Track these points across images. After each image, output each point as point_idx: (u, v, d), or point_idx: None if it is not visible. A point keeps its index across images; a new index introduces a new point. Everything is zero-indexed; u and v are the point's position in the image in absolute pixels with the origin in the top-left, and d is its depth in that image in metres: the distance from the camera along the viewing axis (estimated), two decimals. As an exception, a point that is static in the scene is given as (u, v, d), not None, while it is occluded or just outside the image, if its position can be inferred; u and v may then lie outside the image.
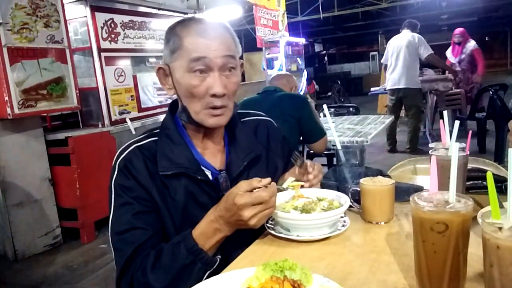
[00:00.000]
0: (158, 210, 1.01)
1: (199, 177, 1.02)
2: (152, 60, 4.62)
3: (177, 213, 1.02)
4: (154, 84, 4.67)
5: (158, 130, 1.10)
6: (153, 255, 0.93)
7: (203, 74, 0.98)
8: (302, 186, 1.10)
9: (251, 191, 0.89)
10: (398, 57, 5.51)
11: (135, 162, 1.02)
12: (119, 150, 1.07)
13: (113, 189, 1.02)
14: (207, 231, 0.93)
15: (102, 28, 3.85)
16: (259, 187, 0.89)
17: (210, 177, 1.06)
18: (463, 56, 6.33)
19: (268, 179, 0.92)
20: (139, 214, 0.98)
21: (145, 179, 1.01)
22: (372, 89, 6.84)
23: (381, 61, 6.09)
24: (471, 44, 6.35)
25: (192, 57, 0.96)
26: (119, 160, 1.04)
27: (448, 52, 6.59)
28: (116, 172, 1.03)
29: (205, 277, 0.91)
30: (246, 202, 0.87)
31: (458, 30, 6.47)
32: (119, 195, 1.00)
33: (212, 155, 1.11)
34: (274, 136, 1.26)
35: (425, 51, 5.42)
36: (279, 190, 1.02)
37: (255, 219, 0.89)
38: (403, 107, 5.90)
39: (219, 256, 0.95)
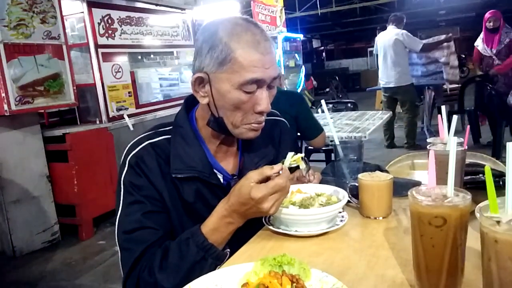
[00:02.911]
0: (168, 211, 0.99)
1: (212, 181, 1.00)
2: (150, 56, 4.62)
3: (186, 215, 1.00)
4: (151, 80, 4.67)
5: (170, 127, 1.05)
6: (160, 254, 0.90)
7: (252, 92, 0.94)
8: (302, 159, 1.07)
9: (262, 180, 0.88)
10: (385, 56, 5.52)
11: (147, 160, 0.98)
12: (129, 145, 1.03)
13: (122, 186, 0.99)
14: (219, 226, 0.91)
15: (99, 24, 3.83)
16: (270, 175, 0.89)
17: (222, 181, 1.05)
18: (501, 46, 4.88)
19: (280, 165, 0.91)
20: (149, 214, 0.96)
21: (157, 179, 0.98)
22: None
23: (374, 52, 6.01)
24: (509, 31, 4.86)
25: (248, 78, 0.90)
26: (130, 156, 1.00)
27: (479, 43, 5.13)
28: (126, 169, 0.99)
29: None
30: (265, 195, 0.86)
31: (491, 12, 4.96)
32: (128, 192, 0.97)
33: (225, 158, 1.09)
34: (285, 138, 1.25)
35: (417, 45, 5.43)
36: None
37: (275, 207, 0.89)
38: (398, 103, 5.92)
39: (229, 250, 0.93)
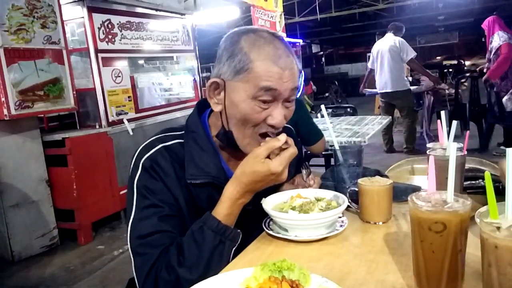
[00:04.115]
0: (183, 216, 0.98)
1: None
2: (150, 61, 4.63)
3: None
4: (151, 85, 4.67)
5: (182, 132, 1.04)
6: (175, 250, 0.89)
7: (266, 103, 0.93)
8: None
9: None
10: (382, 62, 5.57)
11: (162, 163, 0.97)
12: (141, 147, 1.02)
13: (135, 190, 0.97)
14: (232, 210, 0.92)
15: (99, 29, 3.84)
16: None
17: None
18: (490, 54, 4.95)
19: (284, 135, 0.92)
20: (166, 217, 0.94)
21: (173, 183, 0.96)
22: (366, 90, 6.67)
23: (368, 65, 6.01)
24: (500, 36, 4.77)
25: (262, 85, 0.90)
26: (143, 159, 0.98)
27: None
28: (140, 172, 0.97)
29: (231, 253, 0.91)
30: (285, 167, 0.89)
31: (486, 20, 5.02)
32: (143, 196, 0.95)
33: (236, 164, 1.06)
34: None
35: (407, 56, 5.46)
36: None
37: (286, 172, 0.92)
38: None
39: (239, 230, 0.93)
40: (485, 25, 5.05)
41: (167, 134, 1.04)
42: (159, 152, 0.99)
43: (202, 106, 1.07)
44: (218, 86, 0.96)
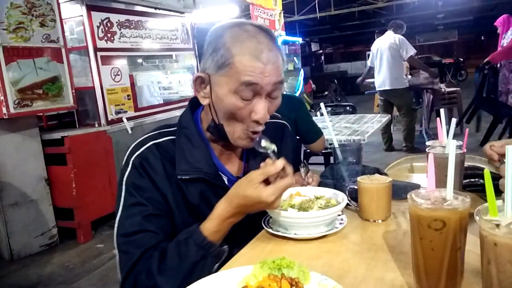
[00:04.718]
0: (171, 215, 0.98)
1: (217, 183, 0.99)
2: (149, 59, 4.62)
3: (190, 217, 0.99)
4: (150, 84, 4.67)
5: (175, 128, 1.04)
6: (157, 256, 0.89)
7: (249, 100, 0.93)
8: None
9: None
10: (382, 59, 5.56)
11: (152, 161, 0.97)
12: (132, 145, 1.02)
13: (124, 187, 0.97)
14: (221, 228, 0.91)
15: (98, 27, 3.84)
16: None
17: (227, 182, 1.04)
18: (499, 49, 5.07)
19: (282, 162, 0.90)
20: (151, 217, 0.94)
21: (162, 180, 0.97)
22: (366, 81, 6.50)
23: (368, 63, 5.98)
24: None
25: (243, 80, 0.89)
26: (134, 157, 0.99)
27: None
28: (129, 169, 0.98)
29: (214, 268, 0.90)
30: (277, 197, 0.88)
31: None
32: (130, 194, 0.96)
33: (229, 160, 1.08)
34: (287, 142, 1.25)
35: (406, 53, 5.45)
36: None
37: (278, 202, 0.91)
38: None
39: (227, 246, 0.93)
40: (499, 22, 5.10)
41: (160, 131, 1.05)
42: (149, 149, 0.99)
43: (196, 103, 1.07)
44: (203, 80, 0.97)
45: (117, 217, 0.97)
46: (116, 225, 0.96)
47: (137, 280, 0.89)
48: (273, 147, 0.96)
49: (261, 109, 0.93)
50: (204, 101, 0.98)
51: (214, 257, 0.89)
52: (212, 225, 0.90)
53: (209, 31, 0.99)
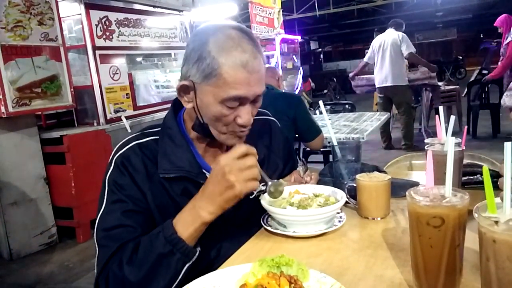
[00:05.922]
0: (150, 212, 0.99)
1: (200, 181, 0.99)
2: (148, 58, 4.61)
3: (174, 214, 0.97)
4: (149, 82, 4.66)
5: (159, 129, 1.07)
6: (131, 247, 0.90)
7: (234, 108, 0.95)
8: None
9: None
10: (384, 56, 5.54)
11: (133, 160, 1.00)
12: (117, 145, 1.05)
13: (106, 185, 1.00)
14: (187, 218, 0.90)
15: (96, 25, 3.83)
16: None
17: None
18: (502, 49, 5.29)
19: (244, 146, 0.92)
20: (130, 213, 0.96)
21: (142, 179, 0.99)
22: (357, 77, 6.36)
23: (364, 59, 5.90)
24: None
25: (230, 95, 0.91)
26: (116, 156, 1.01)
27: None
28: (112, 168, 1.00)
29: (183, 270, 0.88)
30: (228, 161, 0.88)
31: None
32: (112, 191, 0.98)
33: (214, 157, 1.08)
34: (276, 137, 1.25)
35: (406, 49, 5.45)
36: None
37: (243, 184, 0.88)
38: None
39: (199, 248, 0.91)
40: (500, 21, 5.29)
41: (143, 132, 1.07)
42: (132, 149, 1.02)
43: (179, 104, 1.08)
44: (187, 88, 0.97)
45: (99, 214, 0.99)
46: (97, 220, 0.98)
47: (110, 269, 0.90)
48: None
49: (245, 115, 0.95)
50: (188, 105, 1.00)
51: (182, 254, 0.88)
52: (180, 216, 0.90)
53: (192, 35, 1.00)
